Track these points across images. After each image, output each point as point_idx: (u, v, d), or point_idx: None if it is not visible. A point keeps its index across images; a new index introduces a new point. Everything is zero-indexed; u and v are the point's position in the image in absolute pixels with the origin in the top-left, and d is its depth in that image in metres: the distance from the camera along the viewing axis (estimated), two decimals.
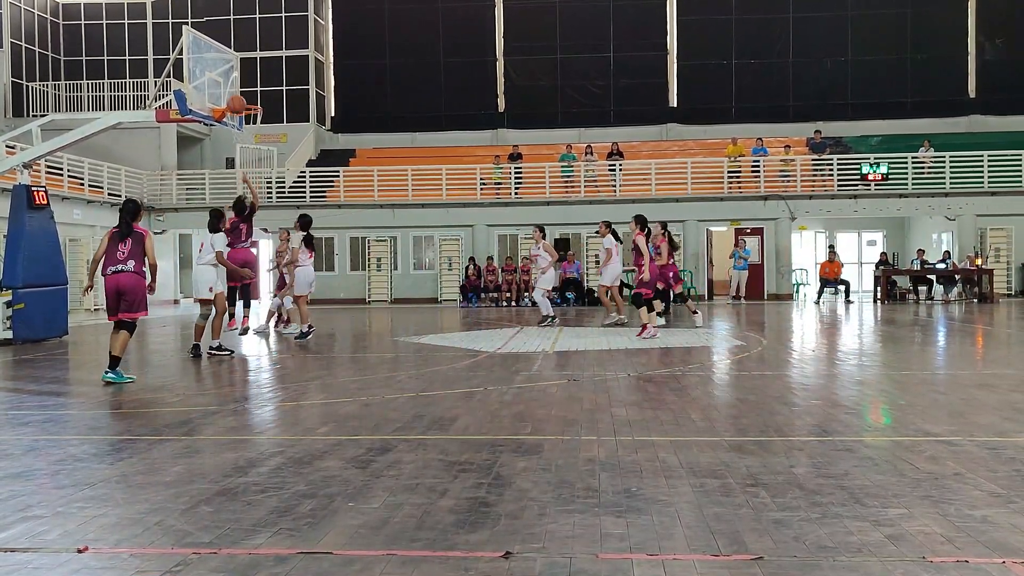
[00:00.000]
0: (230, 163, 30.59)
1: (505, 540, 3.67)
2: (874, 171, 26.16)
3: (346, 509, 4.17)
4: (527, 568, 3.35)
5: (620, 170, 27.71)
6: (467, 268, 25.96)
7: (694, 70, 32.60)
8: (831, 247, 26.47)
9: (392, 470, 4.94)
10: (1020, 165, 25.93)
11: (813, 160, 27.24)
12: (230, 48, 17.23)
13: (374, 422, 6.59)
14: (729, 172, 27.20)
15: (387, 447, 5.57)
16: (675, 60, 32.79)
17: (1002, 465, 4.88)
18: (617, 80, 32.70)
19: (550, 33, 32.86)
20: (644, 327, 13.11)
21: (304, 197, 28.39)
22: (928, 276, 24.69)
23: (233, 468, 5.05)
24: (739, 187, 27.08)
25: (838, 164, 26.82)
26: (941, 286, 24.85)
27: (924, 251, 25.34)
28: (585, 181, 27.56)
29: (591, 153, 28.14)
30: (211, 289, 11.67)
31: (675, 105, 32.78)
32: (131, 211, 9.51)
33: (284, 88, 32.57)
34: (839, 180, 26.65)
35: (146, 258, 9.30)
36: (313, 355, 11.99)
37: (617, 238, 16.50)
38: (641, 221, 13.76)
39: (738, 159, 27.35)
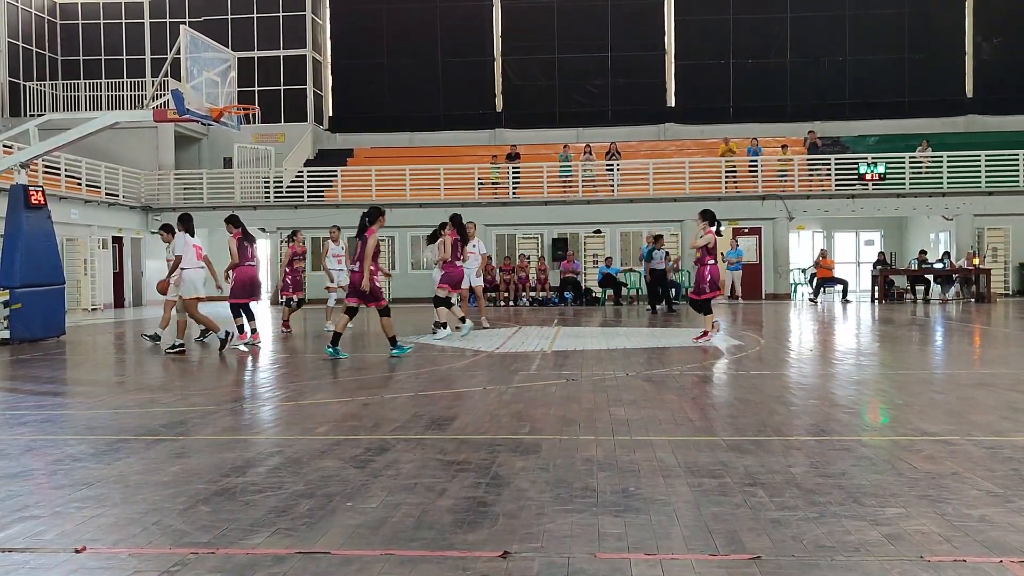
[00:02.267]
0: (228, 163, 30.58)
1: (503, 540, 3.67)
2: (871, 171, 26.19)
3: (344, 509, 4.17)
4: (525, 568, 3.35)
5: (618, 170, 27.72)
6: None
7: (692, 70, 32.63)
8: (823, 249, 26.50)
9: (390, 470, 4.94)
10: (1017, 165, 25.97)
11: (809, 160, 27.28)
12: (228, 48, 17.22)
13: (372, 422, 6.59)
14: (727, 172, 27.22)
15: (385, 447, 5.57)
16: (672, 60, 32.82)
17: (1000, 464, 4.88)
18: (615, 80, 32.72)
19: (548, 33, 32.87)
20: (706, 332, 12.17)
21: (302, 197, 28.39)
22: (926, 276, 24.72)
23: (231, 468, 5.04)
24: (736, 187, 27.11)
25: (835, 164, 26.85)
26: (939, 286, 24.89)
27: (926, 251, 25.39)
28: (583, 181, 27.56)
29: (590, 153, 28.16)
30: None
31: (673, 105, 32.80)
32: (371, 216, 11.45)
33: (282, 88, 32.58)
34: (837, 180, 26.68)
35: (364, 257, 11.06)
36: (311, 355, 11.98)
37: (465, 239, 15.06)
38: (709, 216, 12.32)
39: (733, 159, 27.37)
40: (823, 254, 25.62)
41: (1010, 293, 25.60)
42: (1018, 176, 25.93)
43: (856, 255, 30.78)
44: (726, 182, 27.08)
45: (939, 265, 24.44)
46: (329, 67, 34.38)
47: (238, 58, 16.68)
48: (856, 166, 26.58)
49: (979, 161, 26.10)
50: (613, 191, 27.48)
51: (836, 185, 26.62)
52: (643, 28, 32.69)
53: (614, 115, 32.52)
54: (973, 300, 23.40)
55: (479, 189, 27.52)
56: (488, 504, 4.23)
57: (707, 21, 32.39)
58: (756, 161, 27.10)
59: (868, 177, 26.21)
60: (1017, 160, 25.99)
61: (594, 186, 27.71)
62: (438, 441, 5.77)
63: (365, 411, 7.10)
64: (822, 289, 24.89)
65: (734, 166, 27.35)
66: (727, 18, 32.28)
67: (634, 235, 27.00)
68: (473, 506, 4.20)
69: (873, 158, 26.92)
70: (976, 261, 24.07)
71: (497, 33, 33.34)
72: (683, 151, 30.27)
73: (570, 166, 27.81)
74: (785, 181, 26.91)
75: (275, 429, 6.53)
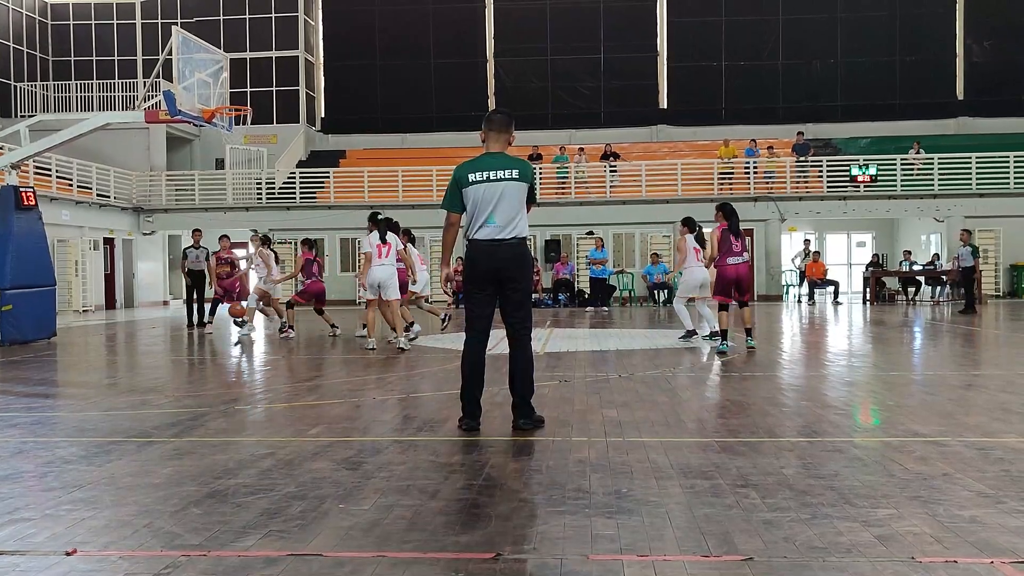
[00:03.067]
0: (220, 164, 30.54)
1: (496, 541, 3.67)
2: (863, 173, 26.27)
3: (336, 511, 4.16)
4: (517, 569, 3.35)
5: (615, 172, 27.79)
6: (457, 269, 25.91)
7: (684, 72, 32.71)
8: (816, 251, 26.59)
9: (383, 471, 4.93)
10: (1008, 166, 26.09)
11: (799, 162, 27.37)
12: (219, 49, 17.19)
13: (365, 423, 6.58)
14: (720, 173, 27.27)
15: (378, 448, 5.57)
16: (665, 62, 32.88)
17: (990, 465, 4.90)
18: (607, 82, 32.78)
19: (541, 35, 32.92)
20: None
21: (294, 198, 28.35)
22: (916, 277, 24.80)
23: (223, 470, 5.03)
24: (730, 188, 27.16)
25: (827, 166, 26.92)
26: (930, 287, 24.97)
27: (911, 252, 25.44)
28: (576, 183, 27.58)
29: (582, 152, 28.23)
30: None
31: (665, 107, 32.86)
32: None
33: (274, 89, 32.54)
34: (828, 182, 26.75)
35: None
36: (303, 357, 11.96)
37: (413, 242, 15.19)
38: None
39: (730, 160, 27.42)
40: (815, 256, 25.68)
41: (1001, 295, 25.69)
42: (1008, 178, 26.06)
43: (848, 256, 30.87)
44: (719, 183, 27.14)
45: (929, 267, 24.52)
46: (321, 68, 34.35)
47: (230, 59, 16.66)
48: (848, 168, 26.67)
49: (970, 163, 26.21)
50: (606, 193, 27.51)
51: (828, 187, 26.70)
52: (636, 30, 32.75)
53: (606, 117, 32.58)
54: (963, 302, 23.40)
55: None
56: (480, 506, 4.22)
57: (700, 23, 32.47)
58: (753, 163, 27.16)
59: (860, 179, 26.29)
60: (1007, 162, 26.11)
61: (587, 188, 27.74)
62: (431, 443, 5.76)
63: (357, 413, 7.09)
64: (813, 291, 24.96)
65: (730, 168, 27.40)
66: (719, 20, 32.37)
67: (627, 237, 27.05)
68: (466, 508, 4.20)
69: (865, 160, 27.01)
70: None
71: (490, 34, 33.35)
72: (675, 153, 30.34)
73: (566, 168, 27.84)
74: (774, 182, 26.98)
75: (267, 431, 6.51)
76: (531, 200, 6.19)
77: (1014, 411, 6.72)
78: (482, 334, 6.12)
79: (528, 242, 6.22)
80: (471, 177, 6.07)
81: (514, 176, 6.03)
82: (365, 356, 11.68)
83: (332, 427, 6.45)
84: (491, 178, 6.02)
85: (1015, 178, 26.04)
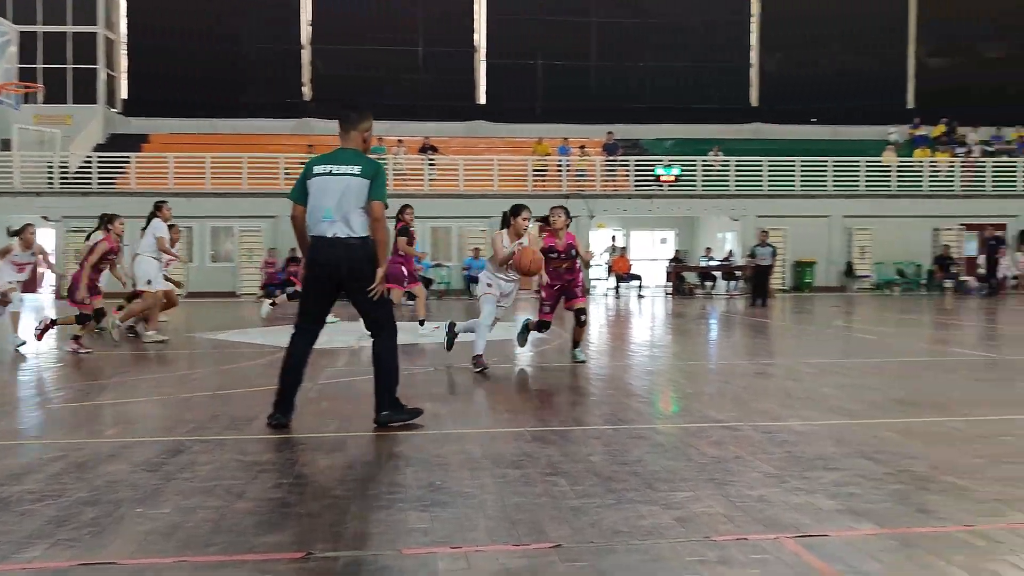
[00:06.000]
0: (6, 145, 28.14)
1: (306, 540, 3.59)
2: (667, 173, 27.58)
3: (133, 515, 3.94)
4: (328, 568, 3.30)
5: (434, 165, 27.84)
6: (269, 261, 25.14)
7: (501, 69, 33.22)
8: (623, 248, 27.66)
9: (186, 472, 4.72)
10: (794, 171, 28.20)
11: (608, 161, 28.42)
12: (8, 20, 15.85)
13: (168, 422, 6.28)
14: (534, 170, 27.88)
15: (181, 448, 5.32)
16: (483, 58, 33.26)
17: (777, 448, 5.28)
18: (426, 75, 32.82)
19: (358, 24, 32.49)
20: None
21: (91, 183, 26.55)
22: (713, 272, 26.36)
23: (7, 475, 4.65)
24: (543, 185, 27.83)
25: (635, 165, 28.08)
26: (725, 282, 26.61)
27: (711, 248, 26.98)
28: (394, 175, 27.40)
29: (401, 144, 28.12)
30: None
31: (484, 103, 33.25)
32: None
33: (70, 66, 30.33)
34: (635, 181, 27.91)
35: None
36: (107, 351, 11.24)
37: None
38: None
39: (544, 158, 28.10)
40: (621, 252, 26.75)
41: (787, 290, 27.70)
42: (795, 181, 28.18)
43: (651, 252, 32.32)
44: (533, 180, 27.75)
45: (724, 263, 26.12)
46: (123, 46, 32.35)
47: (19, 32, 15.39)
48: (653, 168, 27.94)
49: (762, 166, 28.12)
50: (424, 186, 27.51)
51: (635, 185, 27.86)
52: (454, 25, 33.04)
53: (425, 110, 32.55)
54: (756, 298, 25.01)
55: (285, 179, 26.80)
56: (290, 504, 4.13)
57: (516, 20, 33.04)
58: (565, 160, 27.93)
59: (664, 179, 27.60)
60: (794, 166, 28.21)
61: (405, 180, 27.64)
62: (238, 441, 5.57)
63: (160, 411, 6.75)
64: (619, 285, 26.04)
65: (545, 165, 28.06)
66: (537, 19, 33.06)
67: (444, 230, 27.16)
68: (275, 507, 4.09)
69: (670, 160, 28.38)
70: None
71: (304, 21, 32.57)
72: (492, 149, 30.72)
73: (385, 160, 27.59)
74: (585, 180, 27.89)
75: (59, 432, 6.08)
76: (377, 197, 5.85)
77: (797, 397, 7.28)
78: (310, 329, 6.03)
79: (369, 241, 5.93)
80: (315, 169, 5.89)
81: (355, 172, 5.82)
82: (166, 352, 11.14)
83: (131, 427, 6.11)
84: (333, 172, 5.84)
85: (801, 181, 28.17)
